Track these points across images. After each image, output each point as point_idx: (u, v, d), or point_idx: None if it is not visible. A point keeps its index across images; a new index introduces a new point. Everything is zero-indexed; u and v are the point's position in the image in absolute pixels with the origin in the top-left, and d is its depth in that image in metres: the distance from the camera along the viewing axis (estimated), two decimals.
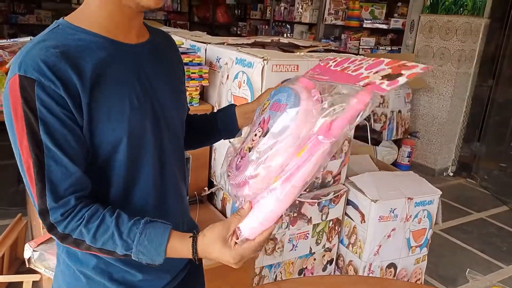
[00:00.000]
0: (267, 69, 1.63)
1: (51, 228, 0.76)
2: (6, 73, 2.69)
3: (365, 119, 3.87)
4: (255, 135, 0.82)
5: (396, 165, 4.22)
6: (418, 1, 4.27)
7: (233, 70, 1.78)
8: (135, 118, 0.80)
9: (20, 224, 2.22)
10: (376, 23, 4.84)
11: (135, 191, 0.85)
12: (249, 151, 0.81)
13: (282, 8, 6.18)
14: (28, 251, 1.41)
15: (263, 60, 1.62)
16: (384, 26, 4.75)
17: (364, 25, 4.96)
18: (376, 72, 0.70)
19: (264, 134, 0.78)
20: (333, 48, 5.06)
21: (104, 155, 0.79)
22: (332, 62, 0.84)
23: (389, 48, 4.74)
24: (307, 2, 5.76)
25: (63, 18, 0.80)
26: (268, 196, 0.75)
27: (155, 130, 0.85)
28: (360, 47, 4.98)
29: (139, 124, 0.81)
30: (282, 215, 0.79)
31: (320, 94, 0.77)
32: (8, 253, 2.05)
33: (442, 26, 4.09)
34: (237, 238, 0.78)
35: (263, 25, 6.72)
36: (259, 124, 0.84)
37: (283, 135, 0.74)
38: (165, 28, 3.19)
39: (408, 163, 4.41)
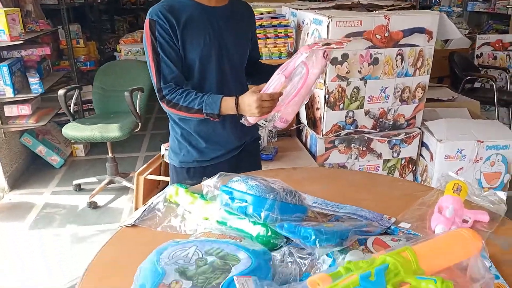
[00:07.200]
0: (332, 25, 2.05)
1: (162, 97, 1.36)
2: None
3: (491, 80, 3.73)
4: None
5: None
6: None
7: (311, 28, 2.24)
8: (205, 49, 1.39)
9: None
10: None
11: (204, 89, 1.43)
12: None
13: None
14: (162, 149, 2.19)
15: (328, 18, 2.04)
16: None
17: None
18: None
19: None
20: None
21: (187, 66, 1.40)
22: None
23: None
24: None
25: None
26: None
27: (218, 59, 1.42)
28: (509, 6, 4.63)
29: (207, 53, 1.39)
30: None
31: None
32: (164, 164, 2.95)
33: None
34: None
35: None
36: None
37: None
38: None
39: None
